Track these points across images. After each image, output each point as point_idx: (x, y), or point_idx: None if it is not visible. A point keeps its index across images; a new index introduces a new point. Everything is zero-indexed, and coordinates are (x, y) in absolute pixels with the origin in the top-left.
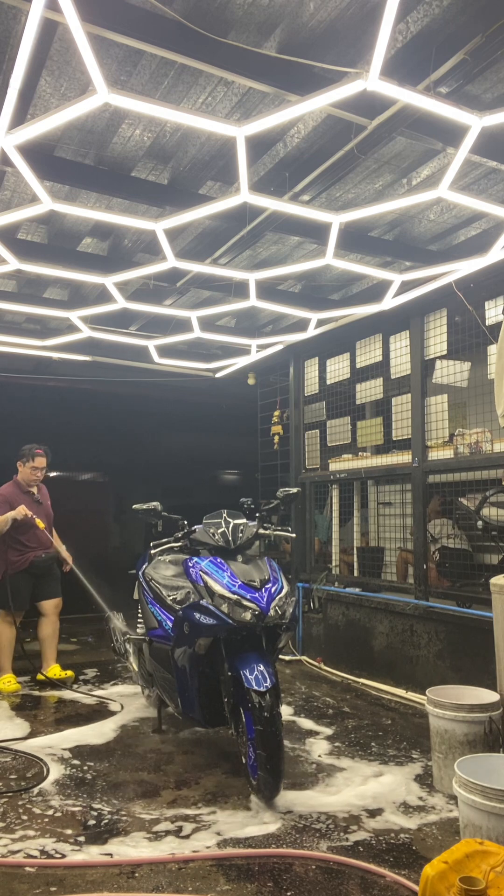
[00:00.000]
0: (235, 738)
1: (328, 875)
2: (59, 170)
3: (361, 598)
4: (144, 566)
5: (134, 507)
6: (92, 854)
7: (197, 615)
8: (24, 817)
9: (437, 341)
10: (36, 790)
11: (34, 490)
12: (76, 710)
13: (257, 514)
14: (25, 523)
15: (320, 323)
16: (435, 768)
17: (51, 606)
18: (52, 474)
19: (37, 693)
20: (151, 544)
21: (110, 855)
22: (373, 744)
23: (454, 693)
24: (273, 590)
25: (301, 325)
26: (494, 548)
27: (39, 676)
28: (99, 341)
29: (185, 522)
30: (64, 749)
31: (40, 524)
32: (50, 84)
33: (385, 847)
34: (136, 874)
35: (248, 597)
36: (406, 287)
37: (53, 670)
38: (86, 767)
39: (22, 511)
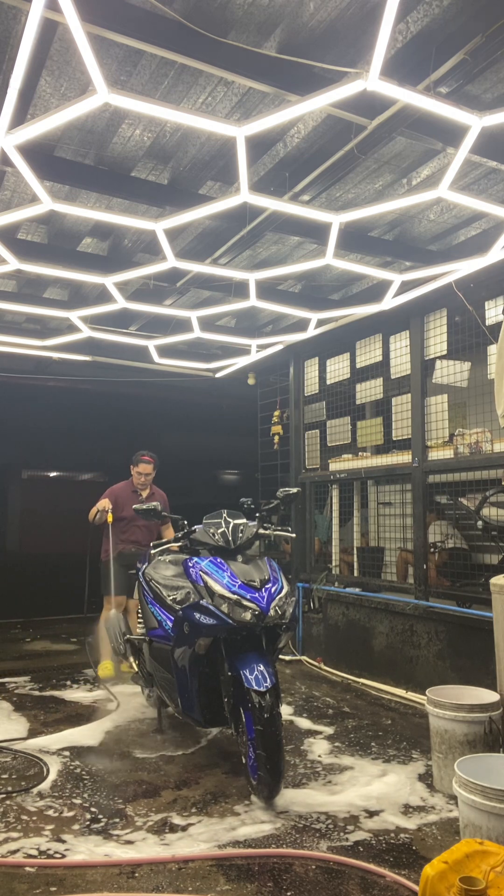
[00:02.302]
0: (235, 738)
1: (328, 875)
2: (59, 170)
3: (361, 598)
4: (144, 566)
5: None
6: (92, 854)
7: (197, 615)
8: (24, 817)
9: (437, 341)
10: (36, 790)
11: (143, 493)
12: (76, 710)
13: (257, 514)
14: (122, 517)
15: (320, 323)
16: (435, 768)
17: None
18: (52, 474)
19: (37, 693)
20: (151, 544)
21: (110, 855)
22: (373, 744)
23: (454, 693)
24: (273, 590)
25: (301, 325)
26: (494, 548)
27: (124, 668)
28: (99, 341)
29: (185, 522)
30: (64, 749)
31: (109, 518)
32: (50, 84)
33: (385, 847)
34: (136, 874)
35: (248, 597)
36: (406, 287)
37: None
38: (86, 767)
39: (102, 505)
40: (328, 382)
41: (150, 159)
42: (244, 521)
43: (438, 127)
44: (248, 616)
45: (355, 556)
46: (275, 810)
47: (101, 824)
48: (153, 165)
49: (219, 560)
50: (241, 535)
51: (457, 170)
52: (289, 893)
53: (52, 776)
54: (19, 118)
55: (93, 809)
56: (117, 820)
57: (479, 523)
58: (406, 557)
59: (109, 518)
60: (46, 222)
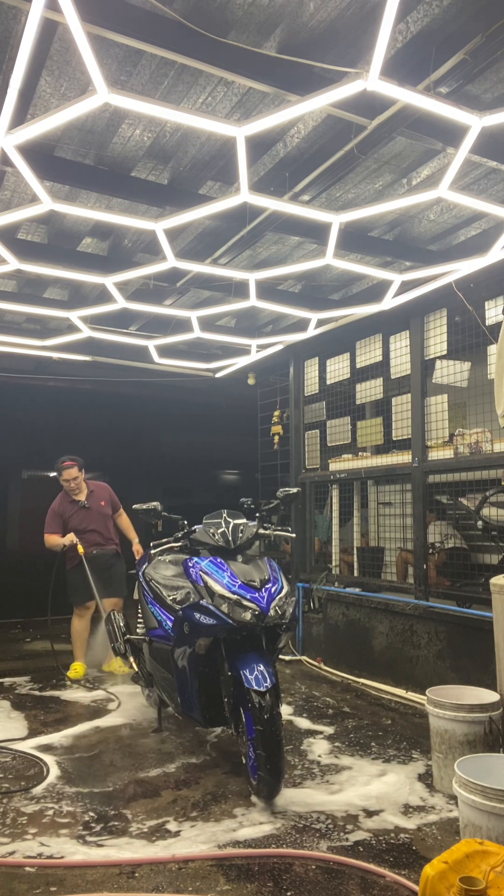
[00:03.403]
0: (235, 738)
1: (328, 875)
2: (59, 170)
3: (361, 598)
4: (144, 566)
5: (134, 507)
6: (92, 854)
7: (197, 615)
8: (24, 817)
9: (437, 341)
10: (36, 790)
11: (81, 497)
12: (76, 710)
13: (257, 514)
14: (76, 527)
15: (320, 323)
16: (435, 768)
17: (109, 605)
18: (52, 474)
19: (37, 693)
20: (151, 544)
21: (110, 855)
22: (373, 744)
23: (454, 693)
24: (273, 590)
25: (301, 325)
26: (494, 548)
27: (113, 665)
28: (99, 341)
29: (185, 522)
30: (64, 749)
31: (80, 550)
32: (50, 84)
33: (385, 847)
34: (136, 874)
35: (248, 597)
36: (406, 287)
37: (114, 664)
38: (85, 767)
39: (69, 539)
40: (328, 382)
41: (150, 159)
42: (244, 521)
43: (438, 127)
44: (248, 616)
45: (355, 556)
46: (275, 810)
47: (101, 824)
48: (153, 165)
49: (219, 560)
50: (241, 535)
51: (457, 170)
52: (289, 893)
53: (52, 776)
54: (19, 118)
55: (92, 809)
56: (117, 820)
57: (479, 523)
58: (406, 557)
59: (81, 550)
60: (46, 222)
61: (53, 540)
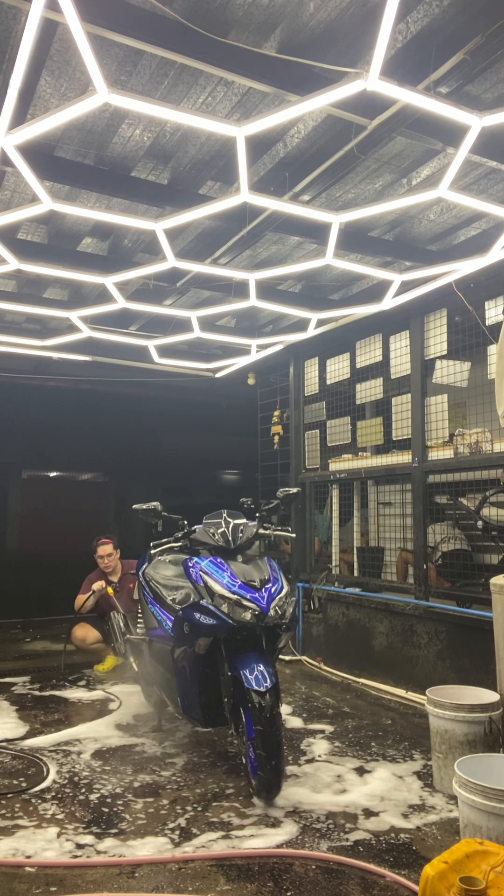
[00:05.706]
0: (235, 739)
1: (328, 875)
2: (59, 170)
3: (361, 598)
4: (144, 566)
5: (134, 507)
6: (92, 854)
7: (197, 615)
8: (24, 817)
9: (437, 341)
10: (35, 790)
11: (114, 578)
12: (76, 710)
13: (257, 514)
14: (104, 608)
15: (320, 323)
16: (435, 768)
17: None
18: (52, 474)
19: (37, 693)
20: (151, 544)
21: (110, 855)
22: (373, 744)
23: (454, 693)
24: (273, 590)
25: (301, 325)
26: (494, 548)
27: (108, 664)
28: (99, 341)
29: (185, 522)
30: (63, 749)
31: (110, 591)
32: (50, 84)
33: (385, 847)
34: (136, 874)
35: (248, 597)
36: (406, 287)
37: (108, 663)
38: (85, 767)
39: (100, 584)
40: (328, 382)
41: (150, 159)
42: (244, 521)
43: (438, 127)
44: (248, 616)
45: (355, 556)
46: (274, 810)
47: (101, 824)
48: (153, 165)
49: (219, 560)
50: (241, 535)
51: (457, 170)
52: (289, 893)
53: (52, 776)
54: (19, 118)
55: (92, 809)
56: (117, 820)
57: (479, 523)
58: (406, 557)
59: (110, 591)
60: (46, 222)
61: (82, 598)
